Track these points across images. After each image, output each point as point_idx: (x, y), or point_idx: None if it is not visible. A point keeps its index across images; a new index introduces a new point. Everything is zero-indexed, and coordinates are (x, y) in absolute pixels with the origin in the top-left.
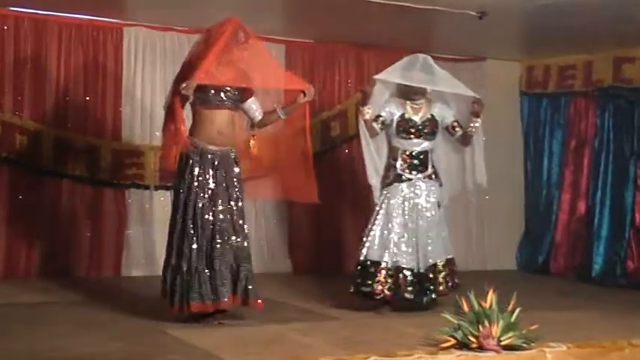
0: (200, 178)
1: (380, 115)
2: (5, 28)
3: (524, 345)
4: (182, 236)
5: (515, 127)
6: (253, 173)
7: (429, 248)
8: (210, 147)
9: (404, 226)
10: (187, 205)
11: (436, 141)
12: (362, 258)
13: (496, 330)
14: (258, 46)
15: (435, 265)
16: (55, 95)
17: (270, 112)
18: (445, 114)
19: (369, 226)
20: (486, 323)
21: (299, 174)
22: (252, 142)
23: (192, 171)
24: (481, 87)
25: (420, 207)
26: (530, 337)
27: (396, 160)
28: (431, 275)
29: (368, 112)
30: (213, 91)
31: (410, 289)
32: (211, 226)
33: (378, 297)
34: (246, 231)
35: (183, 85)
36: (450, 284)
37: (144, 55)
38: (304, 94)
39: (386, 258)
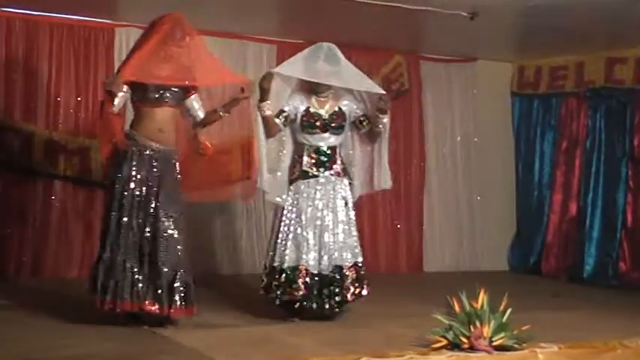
0: (137, 175)
1: (283, 110)
2: None
3: (516, 345)
4: (117, 232)
5: (507, 128)
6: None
7: (335, 249)
8: (150, 143)
9: (310, 225)
10: (122, 202)
11: (345, 136)
12: (276, 264)
13: (487, 330)
14: (198, 43)
15: (341, 267)
16: (46, 96)
17: (212, 111)
18: (353, 107)
19: (277, 228)
20: (478, 324)
21: (244, 173)
22: (201, 141)
23: (129, 167)
24: (472, 88)
25: (326, 205)
26: (522, 337)
27: (301, 156)
28: (338, 277)
29: (268, 107)
30: (152, 88)
31: (315, 293)
32: (146, 226)
33: (298, 304)
34: (178, 236)
35: (106, 80)
36: (357, 291)
37: None
38: (243, 90)
39: (303, 261)
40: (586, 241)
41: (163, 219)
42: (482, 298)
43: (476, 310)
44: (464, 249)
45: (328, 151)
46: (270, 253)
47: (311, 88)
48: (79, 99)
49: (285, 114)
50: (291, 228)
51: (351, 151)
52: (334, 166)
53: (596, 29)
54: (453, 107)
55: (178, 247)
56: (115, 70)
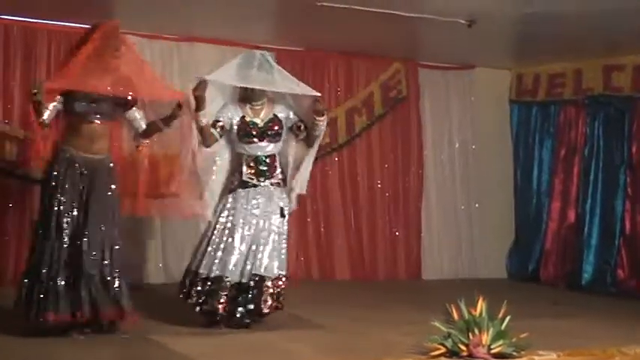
0: (66, 185)
1: (218, 121)
2: None
3: (514, 353)
4: (43, 243)
5: (505, 136)
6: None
7: (260, 258)
8: (81, 154)
9: (243, 236)
10: (51, 212)
11: (283, 143)
12: (201, 271)
13: (486, 338)
14: (134, 53)
15: (263, 278)
16: None
17: (152, 122)
18: (289, 113)
19: (209, 236)
20: (476, 331)
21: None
22: (141, 152)
23: (58, 176)
24: (470, 95)
25: (262, 215)
26: (520, 345)
27: (241, 165)
28: (256, 287)
29: (203, 118)
30: (84, 103)
31: (220, 299)
32: (76, 235)
33: (219, 315)
34: (117, 243)
35: (33, 89)
36: (274, 304)
37: None
38: (180, 106)
39: (228, 272)
40: (584, 249)
41: (98, 225)
42: (481, 305)
43: (474, 318)
44: (462, 256)
45: (267, 160)
46: (198, 259)
47: (245, 97)
48: None
49: (220, 124)
50: (224, 238)
51: (289, 159)
52: (274, 175)
53: (594, 37)
54: (451, 114)
55: (111, 250)
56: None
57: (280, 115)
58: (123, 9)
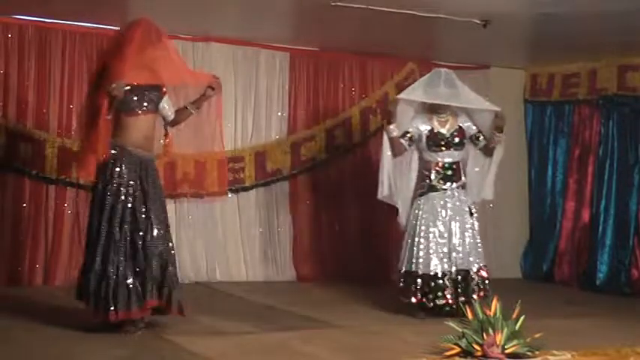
0: (128, 182)
1: (407, 132)
2: (9, 36)
3: (529, 353)
4: (108, 241)
5: (520, 135)
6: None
7: (463, 254)
8: (138, 151)
9: (440, 234)
10: (115, 209)
11: (465, 151)
12: (415, 270)
13: (500, 338)
14: (169, 46)
15: (467, 271)
16: (59, 103)
17: (182, 109)
18: (470, 125)
19: (410, 239)
20: (490, 331)
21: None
22: (165, 141)
23: (119, 174)
24: (485, 95)
25: (454, 215)
26: (535, 345)
27: (429, 171)
28: (463, 280)
29: (394, 130)
30: (135, 97)
31: (446, 294)
32: (136, 231)
33: (448, 307)
34: (169, 238)
35: (113, 86)
36: (481, 293)
37: None
38: (212, 88)
39: (438, 269)
40: (599, 249)
41: (154, 222)
42: (495, 305)
43: (489, 318)
44: None
45: (453, 166)
46: (408, 261)
47: (432, 110)
48: None
49: (409, 135)
50: (422, 239)
51: (469, 165)
52: (459, 180)
53: (609, 37)
54: None
55: (168, 248)
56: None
57: (464, 126)
58: (138, 9)
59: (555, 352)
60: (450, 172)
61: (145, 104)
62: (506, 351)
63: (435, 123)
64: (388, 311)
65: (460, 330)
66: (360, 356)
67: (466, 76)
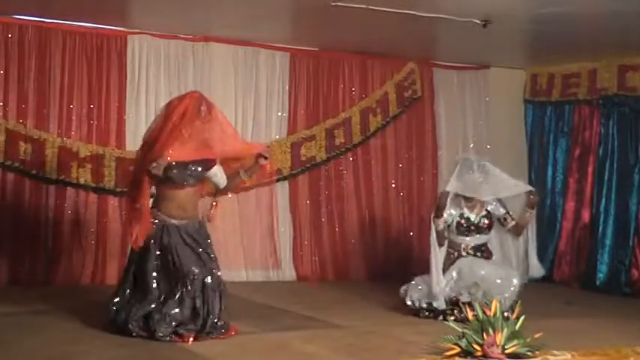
0: (164, 248)
1: (444, 219)
2: (9, 36)
3: (529, 353)
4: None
5: (520, 135)
6: None
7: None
8: (172, 220)
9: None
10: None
11: (492, 232)
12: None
13: (500, 338)
14: (218, 117)
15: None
16: (59, 103)
17: (234, 175)
18: (498, 208)
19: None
20: (491, 331)
21: None
22: (212, 210)
23: (152, 240)
24: (485, 95)
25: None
26: (535, 345)
27: (459, 252)
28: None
29: (442, 223)
30: (176, 170)
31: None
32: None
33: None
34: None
35: (154, 164)
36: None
37: (148, 63)
38: (265, 158)
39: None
40: (599, 249)
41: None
42: (495, 305)
43: (489, 318)
44: None
45: (482, 247)
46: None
47: (462, 195)
48: (91, 106)
49: (446, 222)
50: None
51: (497, 244)
52: (490, 258)
53: (609, 37)
54: (465, 114)
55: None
56: (146, 132)
57: (490, 210)
58: (138, 9)
59: (555, 352)
60: (478, 253)
61: (186, 181)
62: (507, 351)
63: (465, 208)
64: (389, 311)
65: (460, 330)
66: (360, 356)
67: (466, 76)
